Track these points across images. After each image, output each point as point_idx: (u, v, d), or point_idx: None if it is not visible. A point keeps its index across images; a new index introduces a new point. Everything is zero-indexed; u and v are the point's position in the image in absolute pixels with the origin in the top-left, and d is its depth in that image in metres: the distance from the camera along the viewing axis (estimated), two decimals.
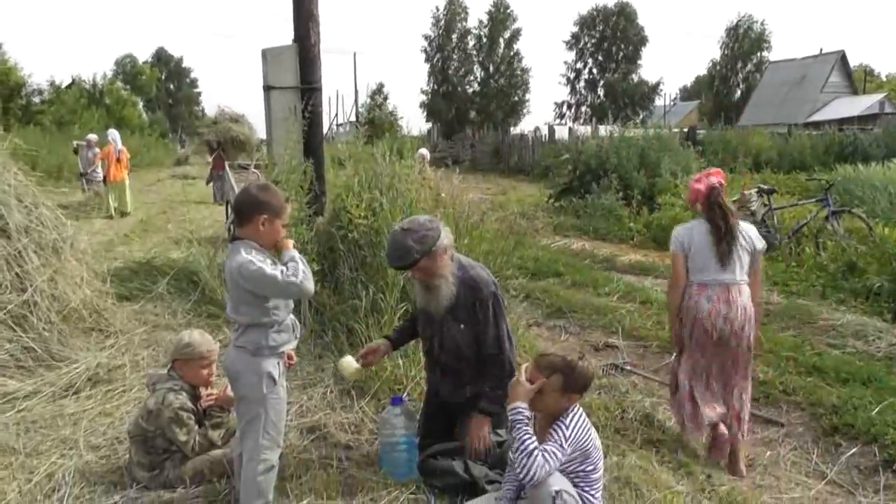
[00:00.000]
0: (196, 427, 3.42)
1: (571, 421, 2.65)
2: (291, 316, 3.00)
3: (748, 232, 3.67)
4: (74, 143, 17.42)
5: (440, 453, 3.37)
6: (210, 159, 14.97)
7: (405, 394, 4.21)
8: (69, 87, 38.10)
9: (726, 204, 3.67)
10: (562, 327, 6.20)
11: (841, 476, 3.64)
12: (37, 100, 36.00)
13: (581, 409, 2.73)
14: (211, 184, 15.25)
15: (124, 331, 5.58)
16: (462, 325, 3.32)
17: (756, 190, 9.19)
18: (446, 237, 3.24)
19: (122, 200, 13.92)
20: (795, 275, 7.71)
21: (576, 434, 2.62)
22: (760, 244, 3.69)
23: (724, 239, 3.59)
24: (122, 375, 4.77)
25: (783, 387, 4.59)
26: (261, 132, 15.06)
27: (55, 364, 4.74)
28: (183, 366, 3.49)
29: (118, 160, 13.83)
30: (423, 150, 12.21)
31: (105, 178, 14.15)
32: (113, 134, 14.62)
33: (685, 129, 24.24)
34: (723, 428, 3.68)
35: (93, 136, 16.62)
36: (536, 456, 2.51)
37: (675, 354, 3.94)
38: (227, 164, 13.32)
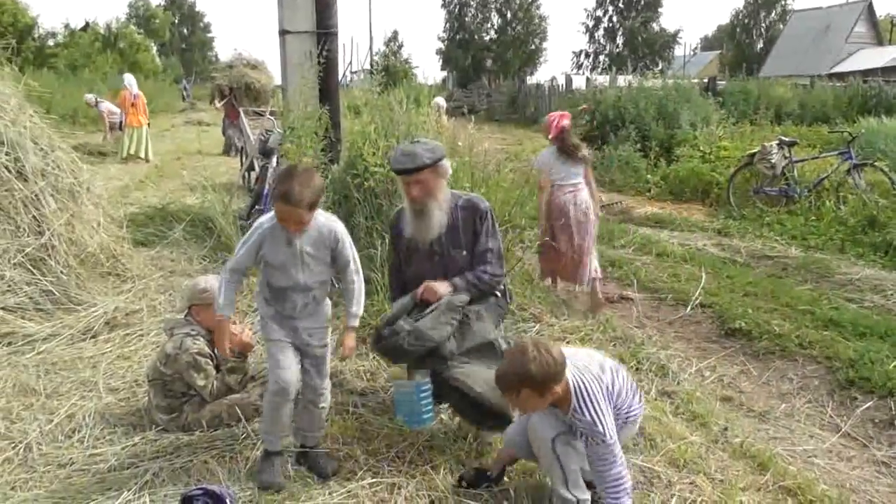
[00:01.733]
0: (214, 372, 3.46)
1: (582, 399, 2.51)
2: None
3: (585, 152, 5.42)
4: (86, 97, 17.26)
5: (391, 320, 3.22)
6: (219, 105, 14.83)
7: None
8: (83, 30, 37.72)
9: (570, 137, 5.38)
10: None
11: (855, 429, 3.65)
12: (51, 43, 35.72)
13: (576, 378, 2.55)
14: (224, 134, 15.23)
15: (141, 276, 5.61)
16: (464, 252, 3.36)
17: (777, 142, 9.01)
18: (448, 164, 3.34)
19: (139, 147, 13.48)
20: (814, 228, 7.63)
21: (595, 402, 2.50)
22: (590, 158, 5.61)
23: (570, 158, 5.26)
24: (140, 320, 4.82)
25: (799, 340, 4.56)
26: (279, 79, 14.63)
27: (73, 308, 4.78)
28: (200, 311, 3.50)
29: (133, 105, 13.48)
30: (440, 100, 12.02)
31: (121, 123, 13.96)
32: (129, 79, 14.18)
33: (705, 80, 23.74)
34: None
35: (90, 96, 16.62)
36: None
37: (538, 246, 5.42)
38: (241, 111, 12.88)
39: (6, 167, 4.95)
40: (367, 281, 4.89)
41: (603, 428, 2.46)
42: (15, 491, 2.88)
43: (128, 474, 3.00)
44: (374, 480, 2.98)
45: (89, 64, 32.05)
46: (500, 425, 3.10)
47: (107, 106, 15.46)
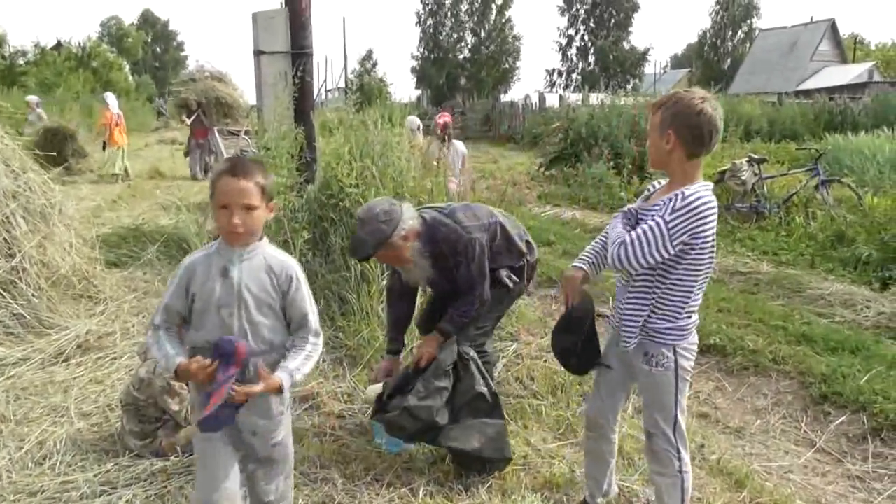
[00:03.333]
0: (188, 396, 3.41)
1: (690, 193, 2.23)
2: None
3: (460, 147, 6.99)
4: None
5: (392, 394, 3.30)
6: (188, 121, 13.95)
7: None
8: (55, 48, 37.39)
9: (450, 132, 7.03)
10: (553, 297, 6.20)
11: (830, 444, 3.69)
12: (21, 61, 35.34)
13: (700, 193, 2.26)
14: (189, 156, 14.11)
15: (114, 298, 5.54)
16: (456, 278, 3.35)
17: (746, 159, 9.18)
18: (407, 223, 3.12)
19: (121, 166, 13.51)
20: (785, 244, 7.75)
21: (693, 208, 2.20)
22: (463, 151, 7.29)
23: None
24: (113, 343, 4.75)
25: (773, 356, 4.62)
26: (249, 96, 14.54)
27: (44, 331, 4.71)
28: None
29: (117, 125, 13.51)
30: (413, 119, 12.05)
31: (105, 142, 13.74)
32: (110, 98, 14.18)
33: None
34: None
35: (33, 98, 16.07)
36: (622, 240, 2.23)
37: None
38: (215, 129, 12.90)
39: None
40: (344, 300, 4.94)
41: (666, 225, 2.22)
42: None
43: (101, 502, 2.95)
44: None
45: (61, 83, 31.74)
46: (500, 465, 3.21)
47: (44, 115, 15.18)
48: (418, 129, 11.21)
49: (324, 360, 4.49)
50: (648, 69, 51.80)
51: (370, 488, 3.10)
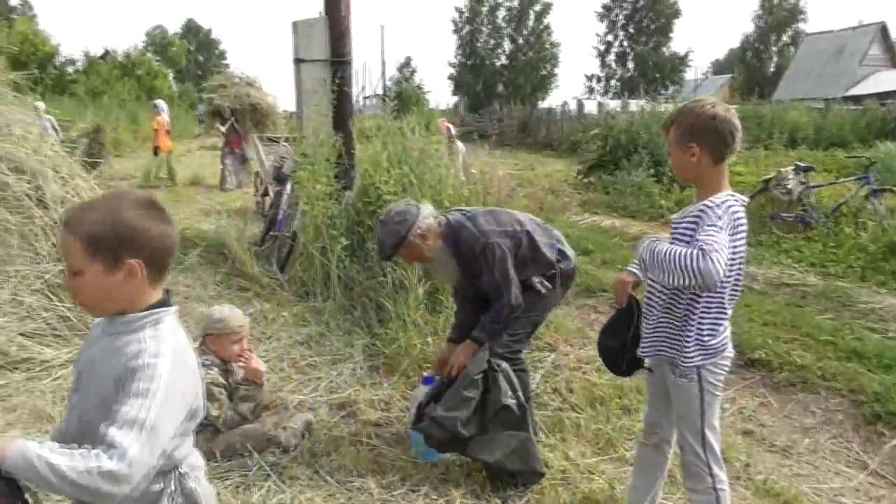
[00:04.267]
0: (227, 402, 3.43)
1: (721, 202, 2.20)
2: None
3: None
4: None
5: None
6: (222, 129, 13.37)
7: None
8: (102, 58, 38.38)
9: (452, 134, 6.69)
10: (591, 307, 6.12)
11: (884, 467, 3.54)
12: (71, 70, 36.35)
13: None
14: (223, 166, 13.40)
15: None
16: (478, 280, 3.38)
17: (793, 167, 8.97)
18: (424, 222, 3.28)
19: (171, 169, 13.91)
20: (833, 256, 7.53)
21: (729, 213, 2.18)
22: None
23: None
24: None
25: (821, 372, 4.47)
26: (284, 104, 14.63)
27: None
28: (214, 341, 3.49)
29: (167, 131, 13.79)
30: (445, 122, 12.08)
31: (156, 148, 13.95)
32: (161, 105, 14.42)
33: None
34: None
35: (41, 104, 15.59)
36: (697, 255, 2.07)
37: None
38: (255, 136, 12.85)
39: (27, 195, 5.00)
40: (381, 308, 4.93)
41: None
42: None
43: None
44: None
45: (108, 91, 32.56)
46: (532, 479, 3.17)
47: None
48: (454, 134, 11.25)
49: (361, 368, 4.49)
50: (689, 75, 51.21)
51: (406, 498, 3.07)
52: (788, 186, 8.64)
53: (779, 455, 3.65)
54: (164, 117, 13.82)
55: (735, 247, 2.21)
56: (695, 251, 2.08)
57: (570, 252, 3.56)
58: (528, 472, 3.16)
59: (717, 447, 2.45)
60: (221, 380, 3.44)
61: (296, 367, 4.54)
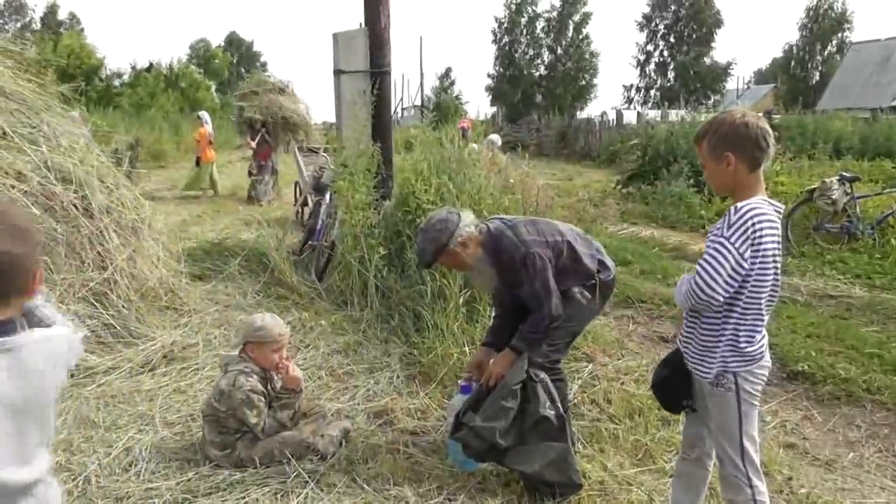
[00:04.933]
0: (266, 409, 3.48)
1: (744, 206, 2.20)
2: None
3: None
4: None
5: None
6: (253, 144, 12.93)
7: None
8: (147, 70, 39.32)
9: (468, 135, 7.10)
10: (630, 317, 6.07)
11: None
12: (117, 83, 37.32)
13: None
14: (251, 177, 13.10)
15: (197, 310, 5.72)
16: (518, 289, 3.36)
17: (838, 177, 8.77)
18: (465, 230, 3.27)
19: (213, 182, 14.09)
20: (879, 267, 7.35)
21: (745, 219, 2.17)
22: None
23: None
24: (196, 354, 4.90)
25: (866, 385, 4.37)
26: (323, 114, 14.61)
27: (133, 341, 4.90)
28: (255, 349, 3.54)
29: (210, 142, 13.96)
30: (494, 136, 12.08)
31: (199, 159, 14.17)
32: (205, 116, 14.61)
33: (760, 114, 23.33)
34: None
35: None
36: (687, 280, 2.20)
37: None
38: (295, 147, 12.81)
39: (74, 205, 5.14)
40: (418, 317, 4.95)
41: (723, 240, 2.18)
42: None
43: None
44: None
45: (153, 103, 33.32)
46: (570, 490, 3.14)
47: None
48: (497, 146, 11.27)
49: (398, 377, 4.52)
50: (730, 84, 50.40)
51: None
52: (833, 197, 8.45)
53: (822, 469, 3.56)
54: (208, 129, 14.03)
55: (763, 252, 2.20)
56: (689, 277, 2.21)
57: (609, 263, 3.54)
58: (566, 483, 3.14)
59: (755, 458, 2.41)
60: (261, 387, 3.48)
61: (333, 376, 4.59)
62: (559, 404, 3.21)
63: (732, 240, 2.16)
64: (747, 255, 2.18)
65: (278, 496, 3.15)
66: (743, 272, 2.19)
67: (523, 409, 3.17)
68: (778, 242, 2.26)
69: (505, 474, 3.33)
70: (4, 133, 5.13)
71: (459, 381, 3.78)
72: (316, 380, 4.51)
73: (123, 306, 5.07)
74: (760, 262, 2.21)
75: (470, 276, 3.55)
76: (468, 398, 3.37)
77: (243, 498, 3.12)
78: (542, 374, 3.24)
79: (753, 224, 2.18)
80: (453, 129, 6.86)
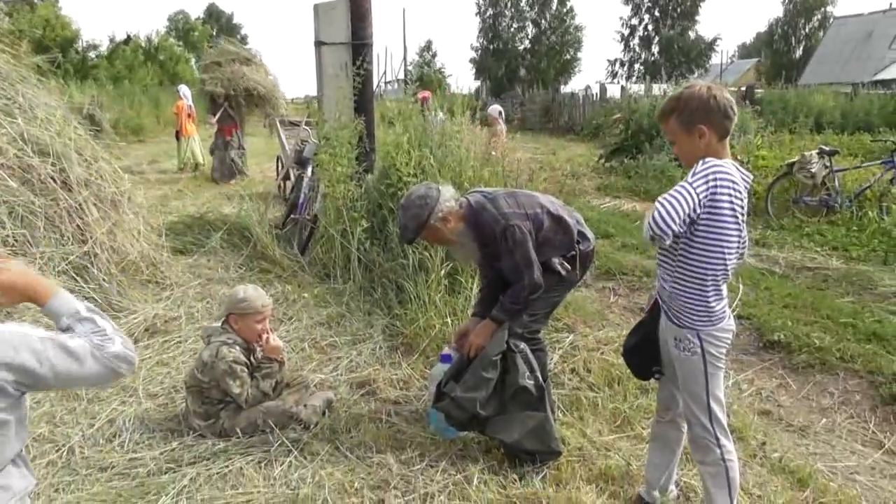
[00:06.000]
0: (249, 380, 3.50)
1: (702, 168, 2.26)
2: None
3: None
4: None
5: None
6: (214, 120, 12.25)
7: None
8: (125, 43, 38.63)
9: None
10: (611, 289, 6.13)
11: None
12: (93, 55, 36.61)
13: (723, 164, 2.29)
14: (213, 155, 12.49)
15: (179, 283, 5.71)
16: (499, 262, 3.39)
17: (817, 151, 8.84)
18: (445, 205, 3.26)
19: (195, 154, 13.82)
20: (856, 239, 7.45)
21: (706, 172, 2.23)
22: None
23: None
24: (178, 327, 4.90)
25: (840, 354, 4.46)
26: (306, 88, 14.17)
27: (114, 314, 4.88)
28: (237, 320, 3.55)
29: (189, 115, 13.76)
30: (495, 106, 11.96)
31: (178, 132, 14.03)
32: (184, 90, 14.40)
33: (742, 88, 23.45)
34: None
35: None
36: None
37: None
38: (277, 120, 12.46)
39: (52, 178, 5.09)
40: (401, 289, 4.98)
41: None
42: (59, 493, 2.94)
43: (166, 479, 3.05)
44: (406, 489, 2.99)
45: (131, 76, 32.78)
46: (550, 458, 3.22)
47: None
48: (499, 115, 11.18)
49: (380, 348, 4.55)
50: (715, 59, 50.43)
51: (425, 474, 3.13)
52: (812, 170, 8.52)
53: (795, 435, 3.66)
54: (186, 102, 13.83)
55: (719, 206, 2.25)
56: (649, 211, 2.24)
57: (589, 234, 3.57)
58: (545, 451, 3.20)
59: (723, 419, 2.49)
60: (243, 358, 3.50)
61: (316, 348, 4.62)
62: (538, 374, 3.26)
63: (695, 185, 2.21)
64: (705, 201, 2.23)
65: (262, 465, 3.19)
66: (692, 218, 2.24)
67: (503, 380, 3.21)
68: (741, 205, 2.31)
69: (485, 441, 3.38)
70: None
71: (441, 351, 3.82)
72: (299, 352, 4.54)
73: (104, 280, 5.05)
74: (718, 215, 2.26)
75: (452, 249, 3.56)
76: (450, 368, 3.41)
77: (227, 467, 3.15)
78: (522, 345, 3.28)
79: (716, 178, 2.23)
80: (436, 103, 6.83)
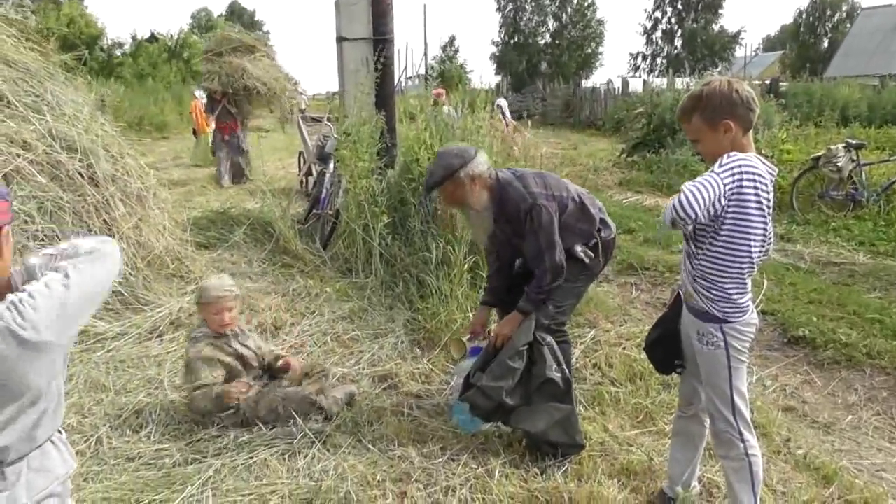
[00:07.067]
0: (219, 367, 3.51)
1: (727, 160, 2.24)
2: None
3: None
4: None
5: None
6: (211, 118, 11.52)
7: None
8: (149, 40, 38.97)
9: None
10: (633, 284, 6.10)
11: None
12: (118, 52, 36.98)
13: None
14: (215, 156, 11.56)
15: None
16: (521, 240, 3.36)
17: (844, 144, 8.72)
18: (478, 167, 3.25)
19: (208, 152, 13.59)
20: (883, 234, 7.36)
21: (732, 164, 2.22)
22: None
23: None
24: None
25: (867, 350, 4.41)
26: (328, 85, 13.85)
27: (140, 308, 4.96)
28: (201, 310, 3.61)
29: (203, 112, 13.64)
30: (501, 101, 11.93)
31: (195, 130, 14.12)
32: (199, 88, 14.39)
33: (767, 81, 23.16)
34: None
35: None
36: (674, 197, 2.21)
37: None
38: (299, 116, 12.21)
39: (80, 173, 5.16)
40: (422, 283, 4.99)
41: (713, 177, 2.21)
42: (87, 482, 3.00)
43: (192, 469, 3.10)
44: (428, 482, 3.01)
45: (154, 73, 33.07)
46: (572, 451, 3.22)
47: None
48: (498, 108, 11.12)
49: (402, 342, 4.57)
50: (739, 52, 49.80)
51: (446, 467, 3.14)
52: (839, 164, 8.41)
53: (821, 431, 3.62)
54: (202, 100, 13.85)
55: (746, 197, 2.23)
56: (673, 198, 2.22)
57: (610, 223, 3.54)
58: (569, 444, 3.20)
59: (746, 413, 2.47)
60: (209, 351, 3.51)
61: (339, 341, 4.65)
62: (565, 367, 3.26)
63: (722, 175, 2.20)
64: (730, 194, 2.21)
65: (285, 456, 3.22)
66: (717, 210, 2.21)
67: (529, 370, 3.21)
68: (767, 198, 2.29)
69: (507, 435, 3.39)
70: (9, 102, 5.14)
71: (468, 343, 3.83)
72: (322, 345, 4.57)
73: (131, 274, 5.12)
74: (744, 210, 2.25)
75: (466, 216, 3.51)
76: (476, 359, 3.42)
77: (251, 458, 3.19)
78: (549, 338, 3.28)
79: (742, 170, 2.22)
80: (457, 98, 6.82)
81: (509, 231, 3.37)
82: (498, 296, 3.62)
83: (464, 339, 3.85)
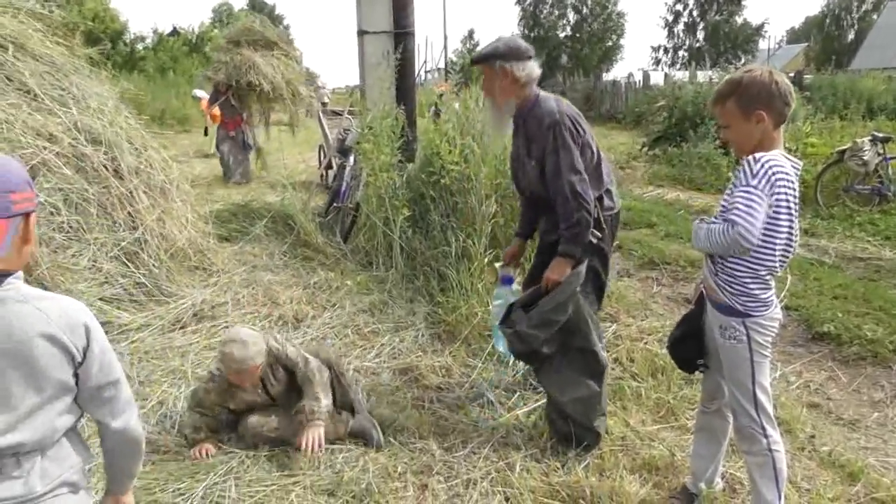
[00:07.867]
0: (194, 420, 3.28)
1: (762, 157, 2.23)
2: None
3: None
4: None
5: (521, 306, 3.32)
6: (212, 109, 11.05)
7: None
8: (172, 34, 39.23)
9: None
10: (654, 279, 6.06)
11: None
12: (140, 47, 37.28)
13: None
14: (218, 149, 11.10)
15: (225, 270, 5.81)
16: (534, 163, 3.30)
17: (870, 138, 8.60)
18: (520, 69, 3.23)
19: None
20: None
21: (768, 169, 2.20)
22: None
23: None
24: (224, 312, 4.99)
25: (893, 346, 4.35)
26: (349, 79, 13.76)
27: (164, 299, 5.00)
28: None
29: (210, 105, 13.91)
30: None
31: (206, 129, 14.14)
32: (200, 93, 14.63)
33: (791, 74, 22.86)
34: None
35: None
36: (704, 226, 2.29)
37: None
38: (319, 110, 12.15)
39: (104, 166, 5.21)
40: (443, 277, 5.00)
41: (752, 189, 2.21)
42: None
43: (215, 460, 3.13)
44: (449, 475, 3.01)
45: (176, 67, 33.29)
46: (588, 437, 3.19)
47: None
48: None
49: (422, 335, 4.58)
50: (762, 44, 49.17)
51: (468, 460, 3.15)
52: (864, 158, 8.29)
53: (845, 428, 3.58)
54: (205, 97, 13.79)
55: (777, 202, 2.22)
56: (725, 226, 2.21)
57: (616, 195, 3.49)
58: (585, 427, 3.16)
59: (769, 409, 2.46)
60: (210, 398, 3.29)
61: (359, 334, 4.66)
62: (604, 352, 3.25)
63: (761, 186, 2.19)
64: (773, 202, 2.21)
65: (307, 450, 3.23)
66: (768, 218, 2.23)
67: (573, 331, 3.14)
68: (794, 196, 2.27)
69: (528, 429, 3.39)
70: (36, 95, 5.19)
71: (500, 272, 3.86)
72: (343, 338, 4.59)
73: (154, 266, 5.17)
74: (774, 211, 2.24)
75: (489, 106, 3.55)
76: (524, 294, 3.39)
77: (272, 450, 3.21)
78: (595, 317, 3.29)
79: (775, 175, 2.20)
80: (478, 91, 6.80)
81: (523, 151, 3.34)
82: (531, 225, 3.64)
83: (496, 266, 3.95)
